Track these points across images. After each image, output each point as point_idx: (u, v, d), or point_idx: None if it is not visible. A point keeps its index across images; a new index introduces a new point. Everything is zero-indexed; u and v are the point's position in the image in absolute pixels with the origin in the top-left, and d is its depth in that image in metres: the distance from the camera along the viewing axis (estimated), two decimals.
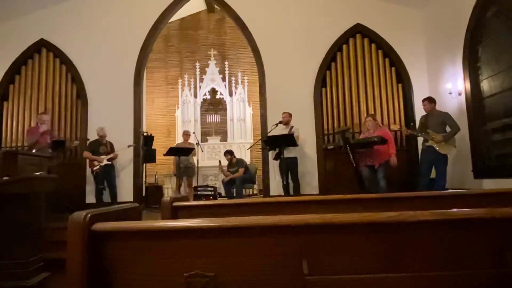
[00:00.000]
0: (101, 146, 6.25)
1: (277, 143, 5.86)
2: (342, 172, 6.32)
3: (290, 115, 6.28)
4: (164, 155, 6.90)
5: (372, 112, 6.53)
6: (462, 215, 1.06)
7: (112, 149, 6.36)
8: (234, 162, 7.36)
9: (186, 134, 7.48)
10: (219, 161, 7.71)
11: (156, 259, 1.08)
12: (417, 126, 5.96)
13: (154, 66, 11.16)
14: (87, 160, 6.30)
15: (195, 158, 7.28)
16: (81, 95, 6.97)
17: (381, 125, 6.00)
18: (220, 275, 1.05)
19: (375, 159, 5.38)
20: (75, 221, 1.06)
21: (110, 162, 6.24)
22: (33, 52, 7.05)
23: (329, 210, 1.42)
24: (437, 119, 5.34)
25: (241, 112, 10.56)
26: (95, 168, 6.12)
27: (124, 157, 6.68)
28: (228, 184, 7.14)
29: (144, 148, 7.22)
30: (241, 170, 7.15)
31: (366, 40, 6.94)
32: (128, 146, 6.60)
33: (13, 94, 6.96)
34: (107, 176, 6.22)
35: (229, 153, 7.44)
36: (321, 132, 6.77)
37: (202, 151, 8.87)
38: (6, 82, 6.98)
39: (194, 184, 7.48)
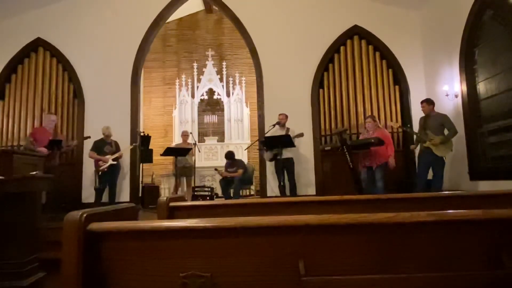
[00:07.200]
0: (106, 145, 6.21)
1: (274, 144, 5.86)
2: (339, 173, 6.33)
3: (287, 116, 6.28)
4: (161, 155, 6.88)
5: (370, 114, 6.54)
6: (458, 216, 1.06)
7: (117, 149, 6.30)
8: (233, 163, 7.33)
9: (185, 135, 7.45)
10: (216, 169, 7.68)
11: (152, 259, 1.08)
12: (414, 128, 5.97)
13: (152, 66, 11.13)
14: (93, 160, 6.25)
15: (193, 158, 7.27)
16: (78, 95, 6.94)
17: (380, 126, 6.02)
18: (216, 276, 1.05)
19: (373, 160, 5.39)
20: (71, 220, 1.05)
21: (115, 162, 6.19)
22: (29, 51, 7.01)
23: (326, 210, 1.42)
24: (436, 121, 5.36)
25: (238, 113, 10.55)
26: (101, 168, 6.06)
27: (122, 157, 6.65)
28: (225, 184, 7.12)
29: (141, 148, 7.20)
30: (240, 171, 7.13)
31: (363, 42, 6.96)
32: (133, 145, 6.59)
33: (9, 93, 6.92)
34: (111, 175, 6.18)
35: (230, 157, 7.38)
36: (318, 133, 6.78)
37: (199, 151, 8.85)
38: (2, 81, 6.94)
39: (192, 184, 7.46)
